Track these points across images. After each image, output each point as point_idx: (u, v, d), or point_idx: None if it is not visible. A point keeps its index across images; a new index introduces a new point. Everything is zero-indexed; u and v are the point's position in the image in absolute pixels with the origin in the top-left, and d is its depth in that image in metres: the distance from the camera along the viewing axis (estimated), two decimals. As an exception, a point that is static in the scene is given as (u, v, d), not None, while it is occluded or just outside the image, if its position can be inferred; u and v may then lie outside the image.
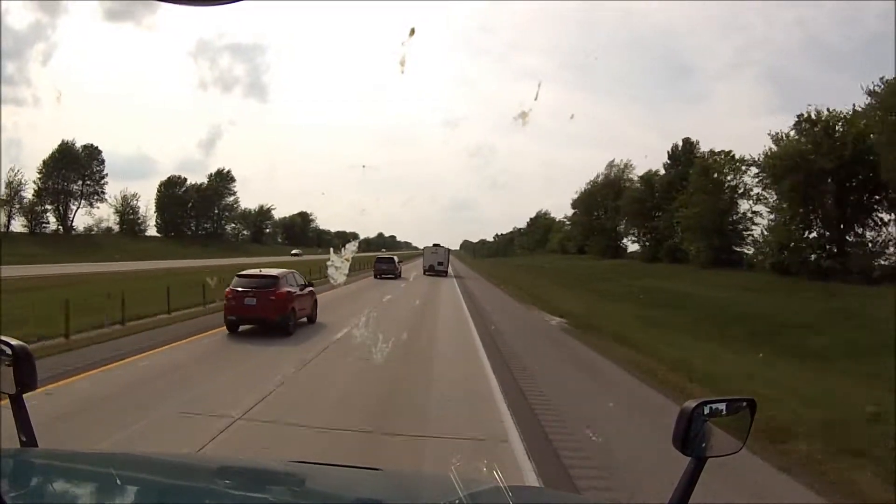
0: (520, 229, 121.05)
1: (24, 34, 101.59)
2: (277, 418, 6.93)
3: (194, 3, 0.97)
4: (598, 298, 28.63)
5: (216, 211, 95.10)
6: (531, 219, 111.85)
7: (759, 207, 44.29)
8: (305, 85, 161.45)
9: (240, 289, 13.26)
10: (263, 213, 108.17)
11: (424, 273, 44.34)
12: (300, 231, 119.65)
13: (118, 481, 1.27)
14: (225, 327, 13.34)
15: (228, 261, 47.24)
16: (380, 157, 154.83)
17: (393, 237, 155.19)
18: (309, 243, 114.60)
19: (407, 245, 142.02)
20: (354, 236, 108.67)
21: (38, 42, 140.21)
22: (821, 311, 23.05)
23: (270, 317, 13.02)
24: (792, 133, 38.73)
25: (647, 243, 60.69)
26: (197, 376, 9.23)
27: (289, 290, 13.60)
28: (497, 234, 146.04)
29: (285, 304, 13.20)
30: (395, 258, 39.31)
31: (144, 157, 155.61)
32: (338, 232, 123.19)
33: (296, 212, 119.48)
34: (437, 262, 45.61)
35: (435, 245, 47.66)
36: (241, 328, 13.43)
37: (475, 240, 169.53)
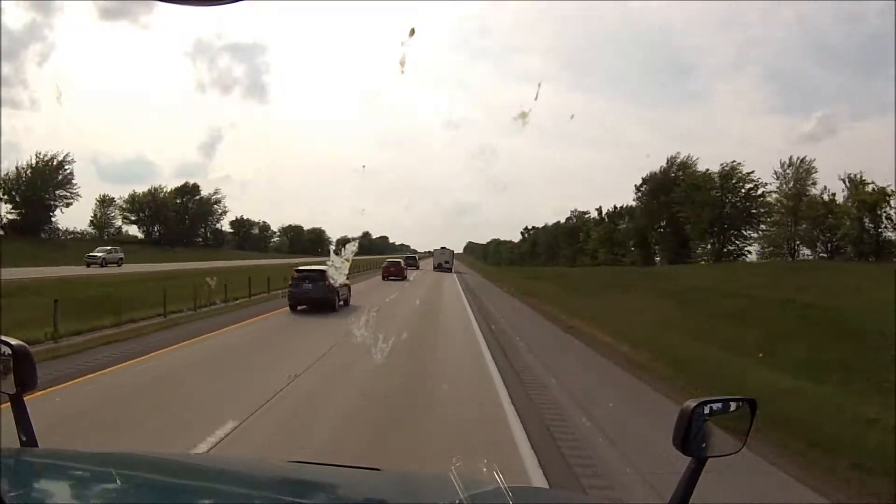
0: (582, 213, 74.87)
1: (19, 35, 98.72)
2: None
3: (194, 2, 0.96)
4: None
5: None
6: (648, 177, 57.90)
7: None
8: (306, 86, 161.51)
9: (389, 266, 39.07)
10: (49, 170, 52.54)
11: (434, 269, 55.83)
12: (197, 223, 76.48)
13: (118, 481, 1.27)
14: (381, 278, 37.49)
15: None
16: (381, 160, 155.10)
17: (384, 238, 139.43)
18: (214, 243, 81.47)
19: (404, 248, 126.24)
20: (318, 233, 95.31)
21: (33, 42, 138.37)
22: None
23: (400, 275, 38.13)
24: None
25: None
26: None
27: (404, 266, 40.14)
28: (527, 228, 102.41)
29: (403, 270, 39.46)
30: (416, 256, 61.77)
31: (143, 160, 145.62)
32: (290, 226, 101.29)
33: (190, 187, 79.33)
34: (444, 261, 58.95)
35: (442, 247, 61.85)
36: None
37: (482, 241, 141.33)
